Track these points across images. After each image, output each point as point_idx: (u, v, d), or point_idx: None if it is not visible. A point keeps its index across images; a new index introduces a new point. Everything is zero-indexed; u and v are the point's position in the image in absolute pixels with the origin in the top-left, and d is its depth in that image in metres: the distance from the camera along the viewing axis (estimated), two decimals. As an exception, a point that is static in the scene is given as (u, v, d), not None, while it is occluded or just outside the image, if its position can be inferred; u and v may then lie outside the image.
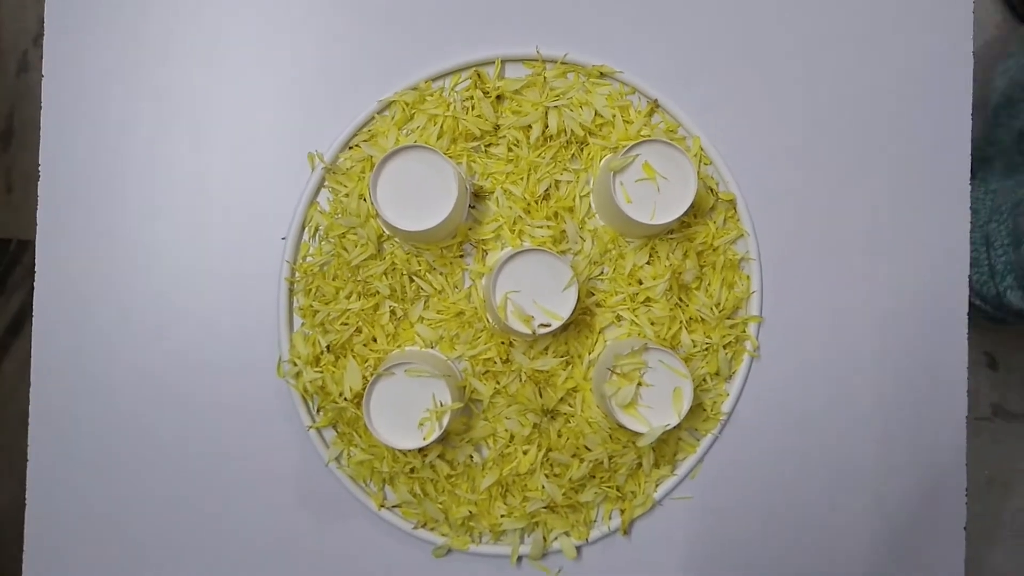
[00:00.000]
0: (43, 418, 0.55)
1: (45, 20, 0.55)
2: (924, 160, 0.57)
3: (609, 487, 0.55)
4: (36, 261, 0.55)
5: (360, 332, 0.54)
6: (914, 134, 0.57)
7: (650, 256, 0.54)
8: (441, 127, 0.54)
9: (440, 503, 0.54)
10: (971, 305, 0.55)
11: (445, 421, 0.50)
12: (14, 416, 1.34)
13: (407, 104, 0.55)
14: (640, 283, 0.54)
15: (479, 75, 0.55)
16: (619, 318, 0.55)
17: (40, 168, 0.55)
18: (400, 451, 0.53)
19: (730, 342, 0.55)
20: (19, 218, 1.38)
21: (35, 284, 0.55)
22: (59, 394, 0.55)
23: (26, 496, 0.55)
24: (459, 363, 0.55)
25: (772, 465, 0.56)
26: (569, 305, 0.50)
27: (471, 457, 0.55)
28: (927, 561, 0.57)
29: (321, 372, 0.54)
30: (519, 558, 0.55)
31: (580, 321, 0.54)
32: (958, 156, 0.57)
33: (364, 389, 0.52)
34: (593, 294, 0.55)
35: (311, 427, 0.54)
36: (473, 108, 0.55)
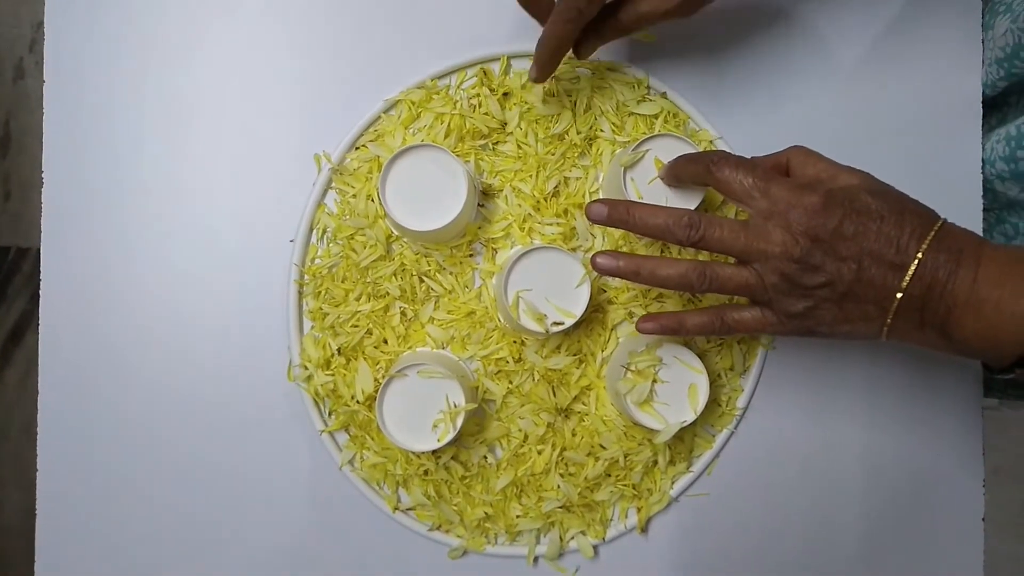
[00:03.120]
0: (52, 427, 0.54)
1: (45, 26, 0.55)
2: (937, 163, 0.56)
3: (625, 485, 0.54)
4: (41, 268, 0.54)
5: (371, 334, 0.53)
6: (927, 130, 0.56)
7: (661, 252, 0.54)
8: (448, 125, 0.54)
9: (455, 505, 0.54)
10: None
11: (459, 422, 0.49)
12: (18, 425, 1.33)
13: (413, 103, 0.54)
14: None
15: (485, 72, 0.55)
16: (631, 315, 0.54)
17: (43, 175, 0.54)
18: (414, 453, 0.53)
19: (744, 337, 0.55)
20: (18, 226, 1.37)
21: (41, 292, 0.54)
22: (67, 402, 0.54)
23: (36, 506, 0.54)
24: (471, 363, 0.54)
25: (788, 459, 0.56)
26: (582, 303, 0.50)
27: (485, 458, 0.54)
28: (944, 553, 0.56)
29: (332, 375, 0.53)
30: (536, 558, 0.55)
31: (592, 319, 0.54)
32: (971, 170, 0.57)
33: (376, 391, 0.52)
34: (605, 291, 0.54)
35: (323, 431, 0.54)
36: (480, 106, 0.54)
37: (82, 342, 0.54)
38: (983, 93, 0.57)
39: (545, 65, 0.50)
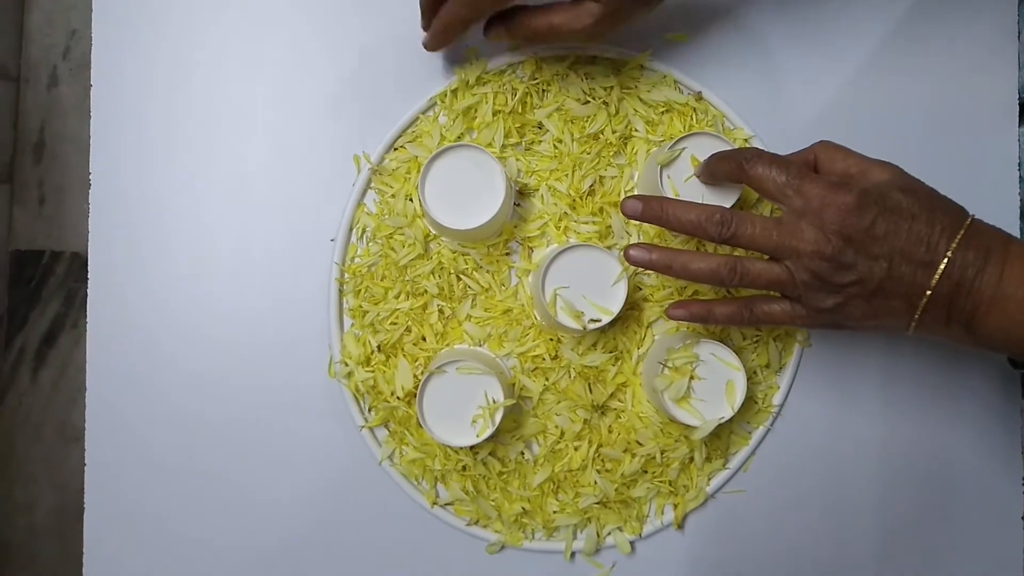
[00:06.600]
0: (98, 424, 0.55)
1: (92, 32, 0.56)
2: (973, 162, 0.56)
3: (661, 482, 0.54)
4: (88, 269, 0.56)
5: (410, 331, 0.54)
6: (962, 128, 0.56)
7: (697, 249, 0.54)
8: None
9: (493, 500, 0.55)
10: None
11: (498, 418, 0.50)
12: (51, 426, 1.35)
13: (451, 102, 0.55)
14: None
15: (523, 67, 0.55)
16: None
17: (91, 177, 0.56)
18: (452, 448, 0.53)
19: (780, 334, 0.55)
20: (51, 230, 1.40)
21: (88, 292, 0.56)
22: (112, 399, 0.55)
23: (84, 501, 0.56)
24: (508, 360, 0.55)
25: (825, 456, 0.56)
26: (619, 300, 0.50)
27: (522, 454, 0.55)
28: (983, 552, 0.56)
29: (372, 372, 0.54)
30: (572, 554, 0.55)
31: (628, 316, 0.54)
32: (1008, 165, 0.57)
33: (415, 388, 0.53)
34: (640, 288, 0.55)
35: (363, 427, 0.55)
36: (521, 104, 0.55)
37: (127, 340, 0.55)
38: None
39: (437, 35, 0.51)
